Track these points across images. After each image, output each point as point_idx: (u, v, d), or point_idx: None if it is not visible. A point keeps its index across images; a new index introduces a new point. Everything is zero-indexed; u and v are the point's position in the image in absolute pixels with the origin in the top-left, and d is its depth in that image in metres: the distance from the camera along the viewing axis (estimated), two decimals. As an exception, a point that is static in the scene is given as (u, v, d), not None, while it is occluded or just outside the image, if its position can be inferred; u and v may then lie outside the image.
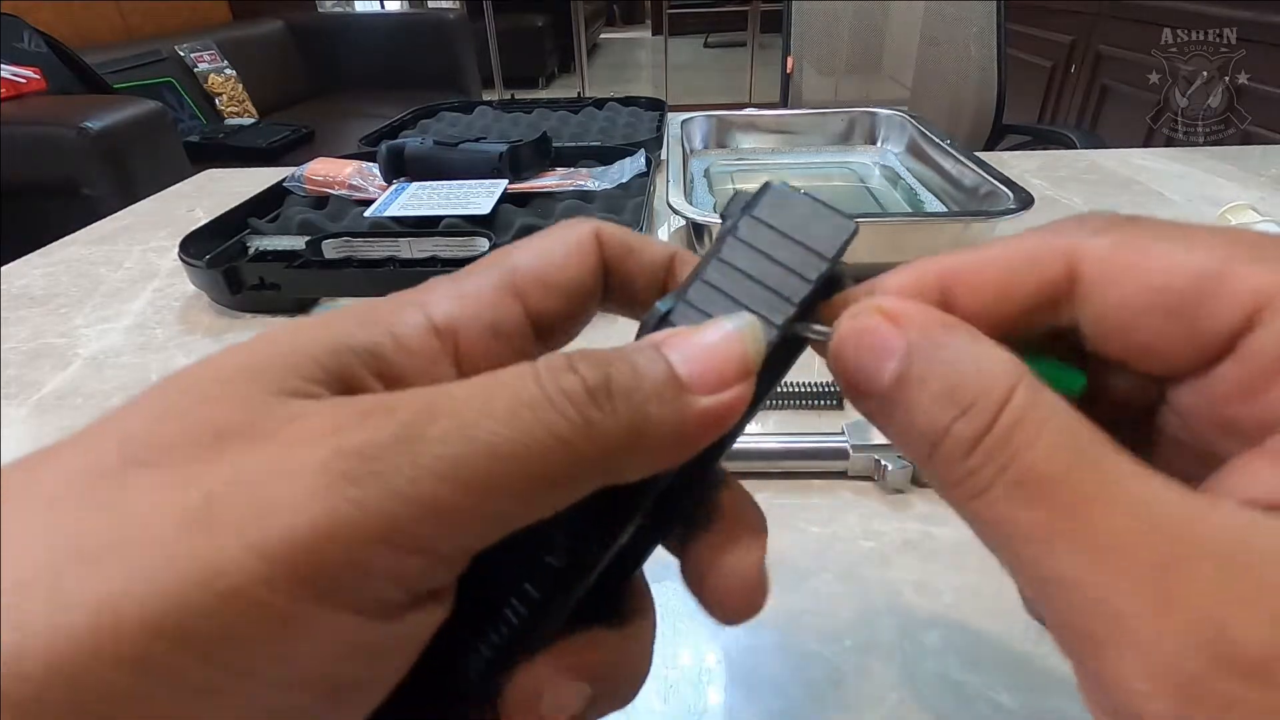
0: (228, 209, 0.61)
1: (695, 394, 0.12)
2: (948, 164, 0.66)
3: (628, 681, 0.15)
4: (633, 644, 0.15)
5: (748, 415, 0.14)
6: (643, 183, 0.67)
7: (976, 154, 0.64)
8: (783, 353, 0.14)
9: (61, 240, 0.70)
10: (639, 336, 0.15)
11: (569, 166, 0.73)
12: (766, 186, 0.15)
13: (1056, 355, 0.14)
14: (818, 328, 0.14)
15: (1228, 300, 0.11)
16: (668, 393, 0.12)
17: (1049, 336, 0.14)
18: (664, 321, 0.14)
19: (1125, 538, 0.10)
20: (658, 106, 0.94)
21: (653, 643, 0.15)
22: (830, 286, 0.15)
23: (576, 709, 0.13)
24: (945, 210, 0.63)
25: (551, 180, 0.68)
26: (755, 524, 0.15)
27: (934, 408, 0.12)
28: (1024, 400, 0.11)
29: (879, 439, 0.36)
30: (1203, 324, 0.11)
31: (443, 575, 0.11)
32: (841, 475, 0.36)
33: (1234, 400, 0.12)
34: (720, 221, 0.15)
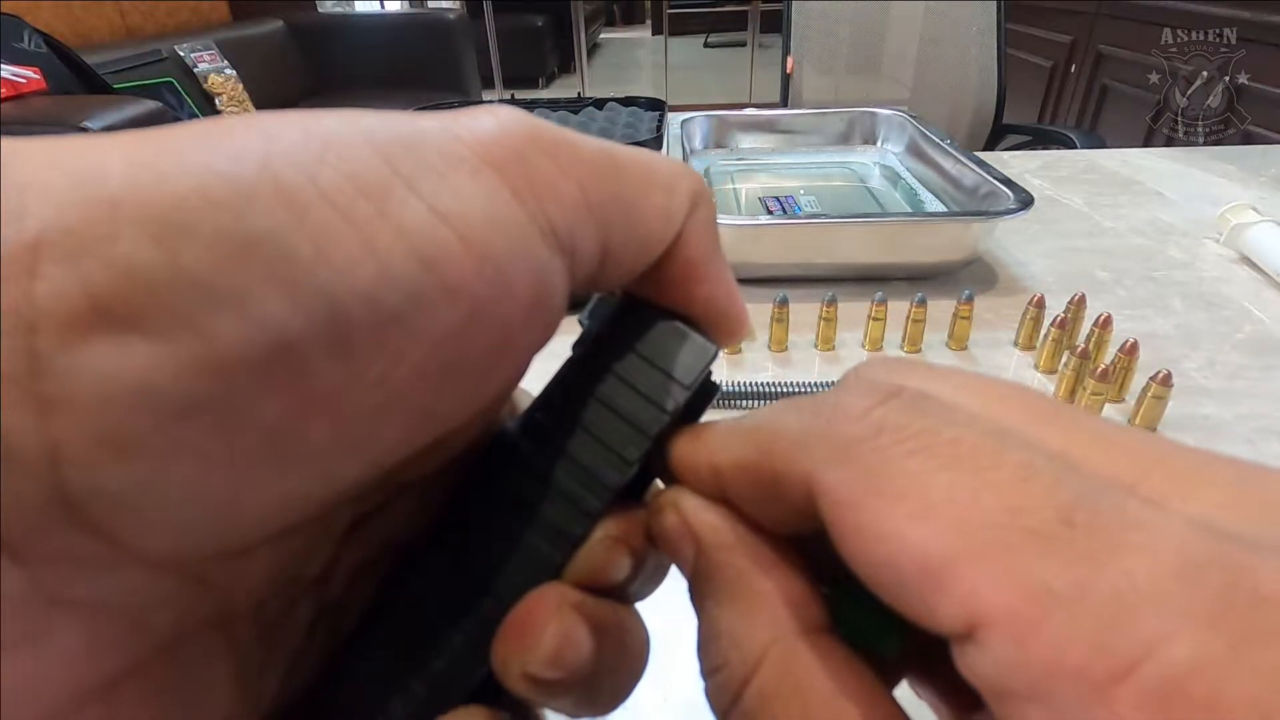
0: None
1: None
2: (948, 164, 0.66)
3: (664, 568, 0.15)
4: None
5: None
6: (643, 183, 0.67)
7: (976, 154, 0.64)
8: (642, 479, 0.14)
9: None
10: (485, 460, 0.14)
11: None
12: (626, 301, 0.14)
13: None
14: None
15: (947, 609, 0.09)
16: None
17: None
18: (513, 444, 0.14)
19: None
20: (658, 106, 0.94)
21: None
22: (698, 404, 0.14)
23: (624, 576, 0.13)
24: (945, 210, 0.63)
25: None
26: None
27: (701, 643, 0.13)
28: (769, 683, 0.11)
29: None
30: (928, 619, 0.09)
31: None
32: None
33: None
34: (581, 325, 0.15)
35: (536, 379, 0.15)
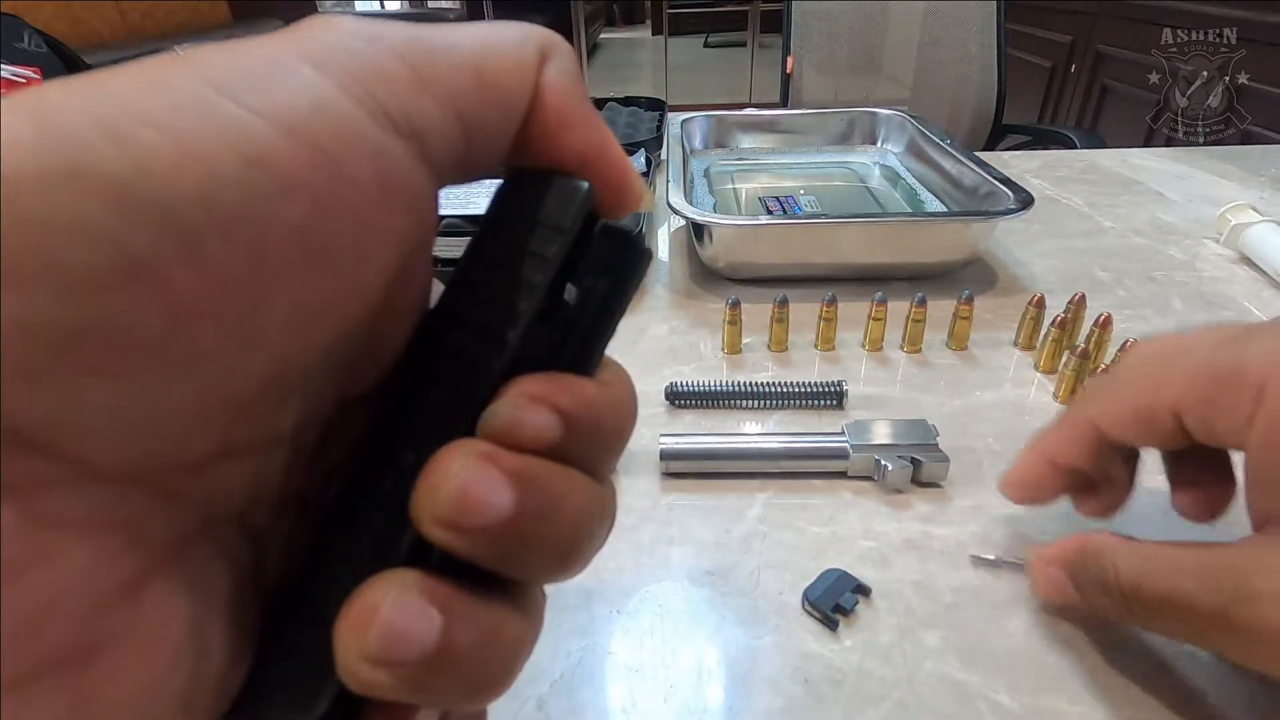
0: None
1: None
2: (948, 164, 0.66)
3: (607, 433, 0.14)
4: (607, 393, 0.14)
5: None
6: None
7: (976, 154, 0.64)
8: (578, 347, 0.14)
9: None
10: (410, 353, 0.14)
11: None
12: (509, 173, 0.15)
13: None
14: None
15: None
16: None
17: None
18: (429, 330, 0.14)
19: None
20: (658, 106, 0.94)
21: (633, 404, 0.15)
22: (610, 257, 0.14)
23: (553, 436, 0.13)
24: (945, 210, 0.63)
25: (551, 180, 0.68)
26: None
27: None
28: None
29: (879, 439, 0.36)
30: None
31: None
32: (841, 475, 0.36)
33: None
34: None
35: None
